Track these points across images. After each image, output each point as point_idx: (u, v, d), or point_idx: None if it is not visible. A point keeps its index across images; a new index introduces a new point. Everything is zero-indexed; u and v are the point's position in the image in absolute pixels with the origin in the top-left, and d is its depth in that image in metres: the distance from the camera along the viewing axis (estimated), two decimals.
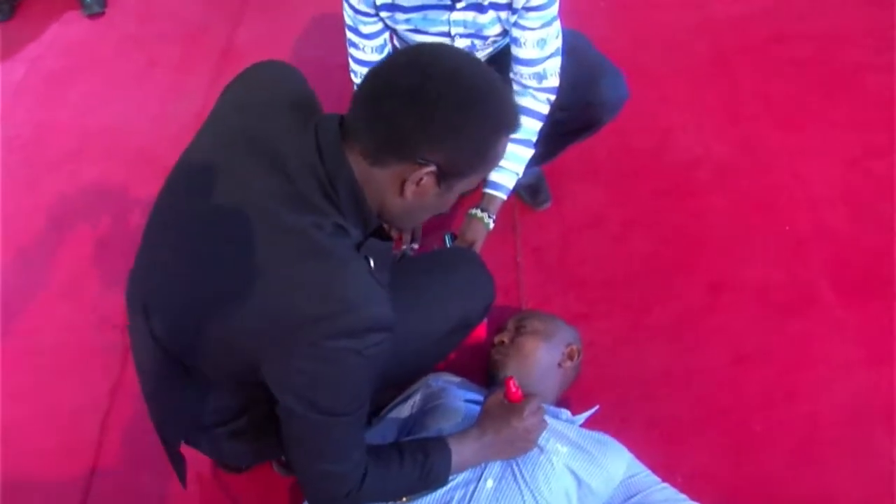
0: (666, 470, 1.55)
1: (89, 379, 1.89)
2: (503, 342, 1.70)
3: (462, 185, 1.14)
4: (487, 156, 1.11)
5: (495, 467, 1.41)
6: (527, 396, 1.43)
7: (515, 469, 1.42)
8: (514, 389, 1.42)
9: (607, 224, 2.14)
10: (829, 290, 1.92)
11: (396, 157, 1.06)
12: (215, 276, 1.07)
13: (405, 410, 1.60)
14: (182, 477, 1.42)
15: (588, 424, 1.58)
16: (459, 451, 1.32)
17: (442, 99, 1.01)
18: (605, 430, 1.56)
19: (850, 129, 2.27)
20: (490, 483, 1.38)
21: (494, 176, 1.82)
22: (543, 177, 2.17)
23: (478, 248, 1.79)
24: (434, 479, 1.30)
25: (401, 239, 1.86)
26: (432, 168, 1.06)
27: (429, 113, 1.02)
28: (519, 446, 1.38)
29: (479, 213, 1.81)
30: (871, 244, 2.00)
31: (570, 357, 1.71)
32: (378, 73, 1.06)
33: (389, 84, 1.03)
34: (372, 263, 1.08)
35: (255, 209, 1.06)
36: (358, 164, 1.08)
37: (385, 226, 1.20)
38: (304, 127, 1.09)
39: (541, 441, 1.46)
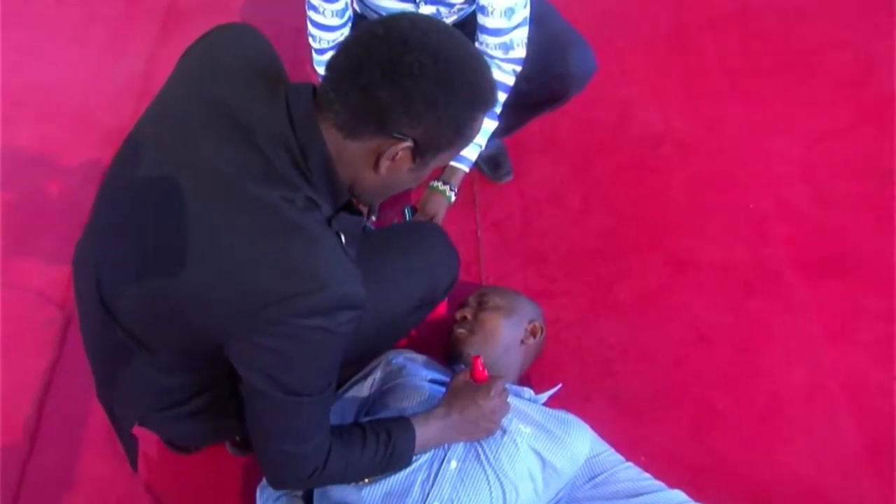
0: (629, 449, 1.56)
1: (27, 357, 1.84)
2: (465, 318, 1.69)
3: (436, 161, 1.13)
4: (464, 132, 1.09)
5: (459, 448, 1.41)
6: (493, 377, 1.43)
7: (479, 450, 1.42)
8: (480, 369, 1.42)
9: (568, 199, 2.14)
10: (791, 269, 1.94)
11: (373, 130, 1.04)
12: (174, 251, 1.04)
13: (364, 389, 1.60)
14: (133, 460, 1.40)
15: (551, 403, 1.60)
16: (423, 430, 1.32)
17: (423, 72, 0.99)
18: (568, 409, 1.57)
19: (814, 106, 2.29)
20: (454, 464, 1.38)
21: None
22: (505, 150, 2.16)
23: (439, 221, 1.78)
24: (398, 459, 1.30)
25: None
26: (409, 143, 1.05)
27: (409, 86, 1.00)
28: (483, 427, 1.38)
29: (440, 185, 1.80)
30: (833, 223, 2.03)
31: (533, 334, 1.71)
32: (355, 42, 1.04)
33: (367, 55, 1.01)
34: (343, 239, 1.07)
35: (219, 180, 1.03)
36: (331, 137, 1.05)
37: (353, 200, 1.18)
38: (273, 95, 1.06)
39: (504, 421, 1.46)
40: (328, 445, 1.19)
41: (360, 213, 1.18)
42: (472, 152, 1.79)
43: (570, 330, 1.87)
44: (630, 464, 1.53)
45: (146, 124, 1.14)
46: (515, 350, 1.69)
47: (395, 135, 1.03)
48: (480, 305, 1.71)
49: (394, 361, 1.63)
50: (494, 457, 1.41)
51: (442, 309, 1.75)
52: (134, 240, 1.10)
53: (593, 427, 1.55)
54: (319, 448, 1.18)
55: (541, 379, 1.74)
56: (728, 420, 1.71)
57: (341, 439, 1.23)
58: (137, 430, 1.39)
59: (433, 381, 1.56)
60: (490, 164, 2.14)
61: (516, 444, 1.42)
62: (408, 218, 1.81)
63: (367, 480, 1.35)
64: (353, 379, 1.62)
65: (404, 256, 1.47)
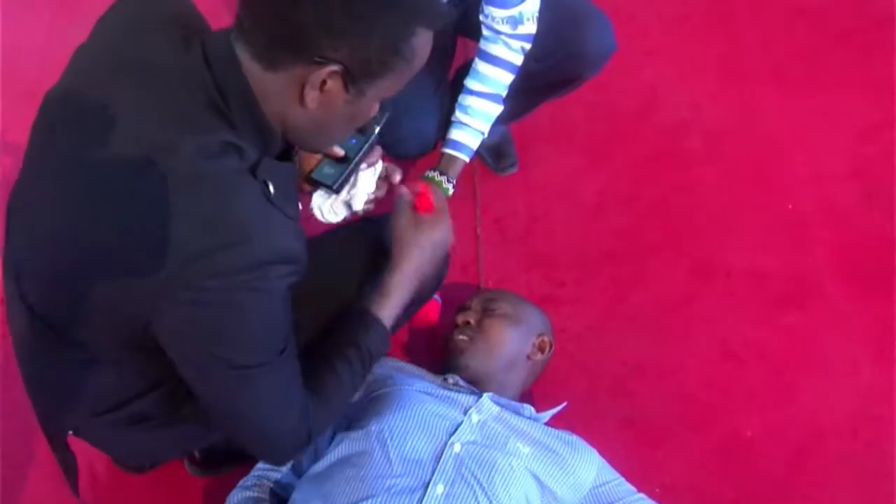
0: (643, 478, 1.56)
1: None
2: (468, 323, 1.70)
3: (377, 90, 1.09)
4: (403, 52, 1.05)
5: (448, 469, 1.40)
6: (438, 207, 1.42)
7: (468, 472, 1.41)
8: (428, 197, 1.40)
9: (580, 194, 2.12)
10: (833, 279, 1.91)
11: (291, 55, 1.02)
12: (83, 224, 1.04)
13: None
14: (73, 481, 1.38)
15: (555, 422, 1.59)
16: (386, 308, 1.34)
17: None
18: (574, 430, 1.56)
19: (868, 94, 2.22)
20: (440, 488, 1.37)
21: (456, 134, 1.80)
22: (510, 137, 2.15)
23: None
24: (377, 357, 1.33)
25: None
26: (335, 67, 1.01)
27: None
28: (437, 260, 1.41)
29: (436, 176, 1.80)
30: (883, 228, 1.98)
31: (541, 349, 1.72)
32: None
33: None
34: (272, 188, 1.05)
35: (124, 134, 1.02)
36: (252, 72, 1.04)
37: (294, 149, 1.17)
38: (190, 42, 1.06)
39: (500, 440, 1.47)
40: (306, 406, 1.20)
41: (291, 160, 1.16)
42: (473, 140, 1.80)
43: (578, 341, 1.86)
44: (642, 495, 1.53)
45: (54, 88, 1.15)
46: (520, 365, 1.70)
47: (317, 59, 1.01)
48: (486, 311, 1.71)
49: (379, 372, 1.65)
50: (487, 480, 1.39)
51: (433, 315, 1.76)
52: (47, 221, 1.11)
53: (602, 452, 1.55)
54: (299, 412, 1.19)
55: (544, 395, 1.73)
56: (758, 451, 1.69)
57: (317, 386, 1.24)
58: (83, 448, 1.38)
59: (422, 392, 1.58)
60: (493, 153, 2.14)
61: (512, 467, 1.42)
62: None
63: None
64: None
65: (385, 248, 1.44)
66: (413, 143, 1.87)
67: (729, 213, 2.05)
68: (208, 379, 1.12)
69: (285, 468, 1.55)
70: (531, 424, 1.54)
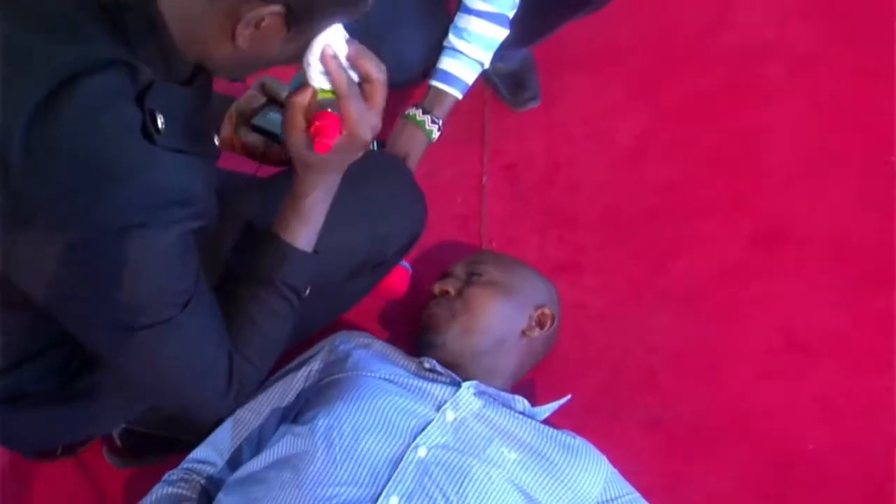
0: (669, 494, 1.56)
1: None
2: (447, 293, 1.67)
3: (319, 29, 1.12)
4: None
5: (405, 479, 1.34)
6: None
7: (431, 484, 1.35)
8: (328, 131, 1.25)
9: (616, 137, 2.07)
10: None
11: None
12: None
13: (296, 382, 1.61)
14: None
15: (557, 420, 1.56)
16: (298, 231, 1.33)
17: None
18: (583, 431, 1.53)
19: None
20: (394, 502, 1.32)
21: (447, 63, 1.76)
22: (533, 64, 2.12)
23: (411, 166, 1.74)
24: (304, 288, 1.36)
25: None
26: (278, 7, 1.03)
27: None
28: (354, 154, 1.32)
29: (418, 115, 1.76)
30: None
31: (541, 324, 1.67)
32: None
33: None
34: (160, 120, 1.05)
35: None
36: None
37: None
38: None
39: (479, 443, 1.42)
40: (228, 365, 1.26)
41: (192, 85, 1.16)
42: (468, 71, 1.76)
43: (599, 321, 1.82)
44: None
45: None
46: (512, 345, 1.66)
47: None
48: (470, 277, 1.68)
49: (340, 347, 1.63)
50: (457, 493, 1.34)
51: (399, 286, 1.73)
52: None
53: (618, 460, 1.51)
54: (218, 373, 1.25)
55: (549, 385, 1.71)
56: (823, 469, 1.63)
57: (237, 343, 1.29)
58: None
59: (388, 381, 1.54)
60: (510, 83, 2.10)
61: (491, 478, 1.37)
62: None
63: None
64: (284, 368, 1.63)
65: (346, 197, 1.42)
66: (392, 70, 1.74)
67: (809, 165, 1.97)
68: (104, 343, 1.15)
69: (220, 462, 1.55)
70: (523, 423, 1.50)
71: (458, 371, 1.57)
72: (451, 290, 1.66)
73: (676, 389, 1.75)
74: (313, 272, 1.35)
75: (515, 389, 1.63)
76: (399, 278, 1.75)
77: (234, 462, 1.54)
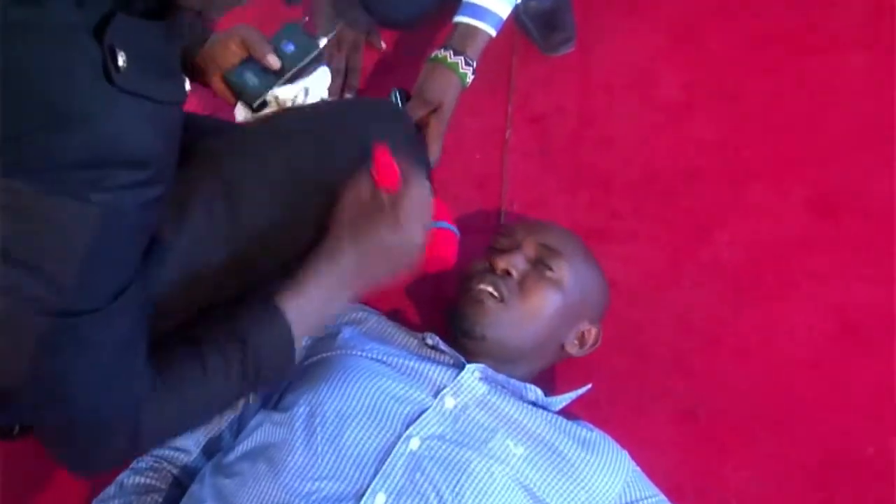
0: (703, 495, 1.55)
1: None
2: (510, 273, 1.56)
3: None
4: None
5: (395, 473, 1.31)
6: (406, 179, 1.34)
7: (424, 480, 1.31)
8: (386, 163, 1.32)
9: (661, 87, 2.01)
10: None
11: None
12: None
13: None
14: None
15: (575, 410, 1.55)
16: (298, 302, 1.29)
17: None
18: (608, 423, 1.52)
19: None
20: (381, 499, 1.28)
21: None
22: (569, 1, 2.08)
23: (445, 115, 1.68)
24: (266, 370, 1.27)
25: None
26: None
27: None
28: (394, 262, 1.35)
29: (449, 56, 1.68)
30: None
31: (582, 343, 1.63)
32: None
33: None
34: (122, 59, 1.01)
35: None
36: None
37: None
38: None
39: (481, 434, 1.39)
40: (142, 388, 1.16)
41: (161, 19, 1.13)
42: (501, 4, 1.69)
43: (630, 298, 1.77)
44: None
45: None
46: (547, 353, 1.62)
47: None
48: (540, 264, 1.58)
49: (329, 326, 1.61)
50: (452, 492, 1.30)
51: (449, 253, 1.59)
52: None
53: (644, 457, 1.49)
54: (127, 391, 1.15)
55: (567, 369, 1.68)
56: (884, 478, 1.56)
57: (169, 373, 1.20)
58: None
59: (381, 362, 1.50)
60: (541, 23, 2.06)
61: (493, 475, 1.33)
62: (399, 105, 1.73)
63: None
64: None
65: (341, 140, 1.44)
66: (402, 4, 1.76)
67: (880, 125, 1.86)
68: (12, 325, 1.06)
69: (195, 450, 1.53)
70: (534, 413, 1.46)
71: (468, 354, 1.53)
72: (515, 274, 1.56)
73: (713, 377, 1.69)
74: (284, 362, 1.29)
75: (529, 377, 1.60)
76: (447, 244, 1.62)
77: (212, 450, 1.53)
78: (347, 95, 1.94)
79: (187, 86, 1.47)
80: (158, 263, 1.25)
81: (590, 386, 1.57)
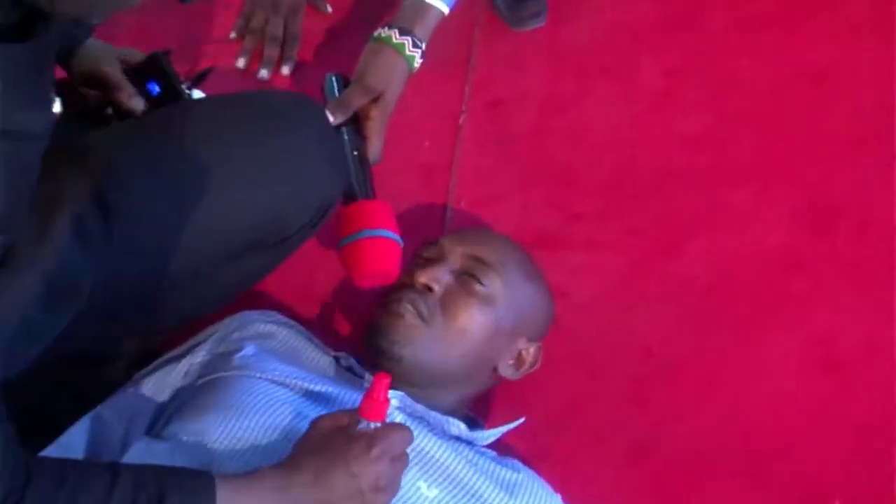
0: None
1: None
2: (431, 289, 1.51)
3: None
4: None
5: None
6: (391, 424, 1.28)
7: None
8: (382, 399, 1.26)
9: (640, 72, 1.96)
10: None
11: None
12: None
13: (174, 376, 1.50)
14: None
15: (511, 440, 1.52)
16: (234, 499, 1.19)
17: None
18: (543, 459, 1.51)
19: None
20: None
21: None
22: None
23: (389, 105, 1.61)
24: None
25: None
26: None
27: None
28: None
29: (395, 36, 1.61)
30: None
31: (519, 364, 1.55)
32: None
33: None
34: None
35: None
36: None
37: None
38: None
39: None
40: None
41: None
42: None
43: (585, 314, 1.71)
44: None
45: None
46: (478, 377, 1.54)
47: None
48: (467, 276, 1.52)
49: (234, 335, 1.53)
50: None
51: (392, 265, 1.53)
52: None
53: (580, 499, 1.46)
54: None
55: (506, 394, 1.61)
56: None
57: (36, 464, 1.11)
58: None
59: (284, 385, 1.43)
60: None
61: None
62: (337, 92, 1.63)
63: None
64: (167, 355, 1.53)
65: (231, 149, 1.36)
66: None
67: (882, 127, 1.82)
68: None
69: None
70: (455, 450, 1.40)
71: (399, 384, 1.44)
72: (437, 289, 1.50)
73: (673, 408, 1.65)
74: None
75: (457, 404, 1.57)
76: (388, 256, 1.55)
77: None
78: (284, 69, 1.88)
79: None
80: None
81: (522, 420, 1.50)
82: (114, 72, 1.50)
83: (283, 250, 1.49)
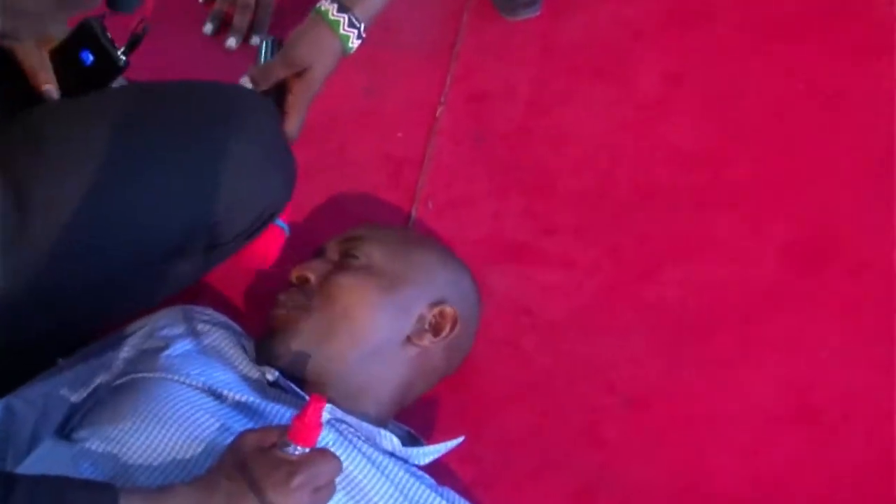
0: None
1: None
2: (307, 280, 1.51)
3: None
4: None
5: None
6: (319, 451, 1.24)
7: None
8: (313, 422, 1.23)
9: (639, 73, 1.91)
10: None
11: None
12: None
13: (96, 370, 1.46)
14: None
15: (449, 464, 1.51)
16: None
17: None
18: (483, 488, 1.50)
19: None
20: None
21: None
22: None
23: (314, 82, 1.58)
24: None
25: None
26: None
27: None
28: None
29: (332, 11, 1.57)
30: None
31: (437, 328, 1.52)
32: None
33: None
34: None
35: None
36: None
37: None
38: None
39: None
40: None
41: None
42: None
43: (550, 335, 1.68)
44: None
45: None
46: (393, 356, 1.50)
47: None
48: (344, 258, 1.54)
49: (163, 332, 1.50)
50: None
51: (269, 249, 1.57)
52: None
53: None
54: None
55: (454, 414, 1.61)
56: None
57: None
58: None
59: (207, 392, 1.40)
60: None
61: None
62: (263, 58, 1.63)
63: None
64: (87, 348, 1.51)
65: (165, 141, 1.35)
66: None
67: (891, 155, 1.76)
68: None
69: None
70: (388, 474, 1.37)
71: (313, 390, 1.41)
72: (312, 278, 1.50)
73: (631, 449, 1.60)
74: None
75: (402, 419, 1.54)
76: (270, 241, 1.58)
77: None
78: (255, 38, 1.83)
79: None
80: None
81: (461, 439, 1.48)
82: (25, 56, 1.45)
83: (214, 258, 1.47)
